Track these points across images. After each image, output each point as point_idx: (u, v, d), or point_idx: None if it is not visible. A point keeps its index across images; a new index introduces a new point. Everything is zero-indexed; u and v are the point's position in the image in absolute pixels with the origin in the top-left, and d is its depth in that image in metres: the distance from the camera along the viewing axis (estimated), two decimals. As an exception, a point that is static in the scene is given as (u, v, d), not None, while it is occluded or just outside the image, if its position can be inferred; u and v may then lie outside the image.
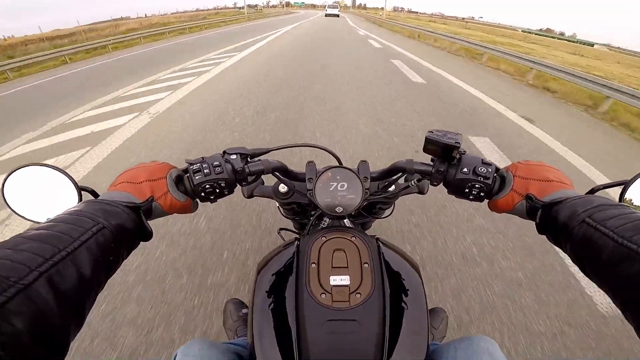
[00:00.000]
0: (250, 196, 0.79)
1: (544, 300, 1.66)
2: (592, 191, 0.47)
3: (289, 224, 0.99)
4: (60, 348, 0.30)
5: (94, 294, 0.35)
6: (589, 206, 0.40)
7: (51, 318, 0.28)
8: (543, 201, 0.47)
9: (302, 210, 0.82)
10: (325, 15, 37.94)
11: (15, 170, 0.47)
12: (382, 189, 0.72)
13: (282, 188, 0.76)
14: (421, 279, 0.58)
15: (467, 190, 0.55)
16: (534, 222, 0.48)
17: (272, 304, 0.53)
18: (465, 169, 0.54)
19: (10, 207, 0.47)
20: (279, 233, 0.97)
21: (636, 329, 0.31)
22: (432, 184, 0.59)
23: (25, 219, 0.48)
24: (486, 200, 0.56)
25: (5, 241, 0.32)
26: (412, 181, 0.65)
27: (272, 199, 0.78)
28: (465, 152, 0.55)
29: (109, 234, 0.38)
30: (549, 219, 0.45)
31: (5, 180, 0.46)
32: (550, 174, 0.51)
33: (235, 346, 0.67)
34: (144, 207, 0.47)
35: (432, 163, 0.58)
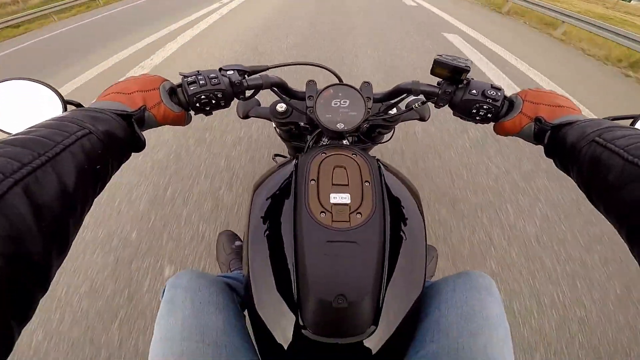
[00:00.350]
0: (245, 116, 0.76)
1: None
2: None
3: (285, 151, 0.98)
4: (42, 277, 0.25)
5: (79, 211, 0.31)
6: (598, 127, 0.38)
7: (29, 239, 0.24)
8: (552, 123, 0.46)
9: (299, 132, 0.80)
10: None
11: None
12: (384, 111, 0.71)
13: (280, 107, 0.74)
14: (421, 210, 0.57)
15: (474, 111, 0.54)
16: (542, 146, 0.48)
17: (268, 230, 0.52)
18: (474, 91, 0.53)
19: None
20: (273, 159, 0.96)
21: None
22: (437, 106, 0.58)
23: (7, 133, 0.44)
24: (492, 123, 0.56)
25: None
26: (415, 104, 0.63)
27: (269, 120, 0.75)
28: (473, 78, 0.54)
29: (96, 139, 0.34)
30: (558, 142, 0.44)
31: None
32: (560, 100, 0.50)
33: (228, 279, 0.65)
34: (136, 115, 0.44)
35: (438, 86, 0.56)
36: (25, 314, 0.23)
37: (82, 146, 0.32)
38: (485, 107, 0.53)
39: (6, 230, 0.22)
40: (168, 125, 0.52)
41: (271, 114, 0.74)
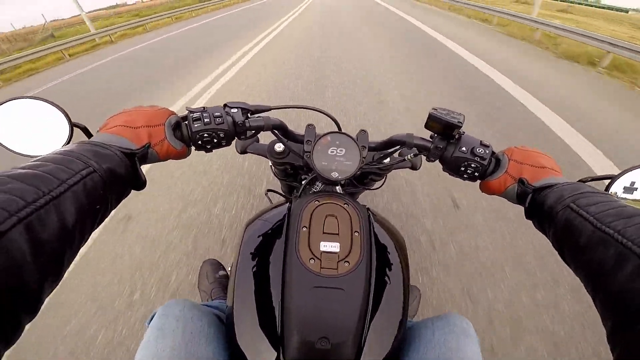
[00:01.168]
0: (243, 152, 0.78)
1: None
2: (581, 181, 0.48)
3: (278, 187, 1.00)
4: (32, 306, 0.27)
5: (75, 246, 0.32)
6: (574, 192, 0.41)
7: (26, 271, 0.26)
8: (534, 186, 0.48)
9: (294, 172, 0.82)
10: None
11: (3, 103, 0.44)
12: (378, 160, 0.73)
13: (278, 147, 0.75)
14: (406, 256, 0.59)
15: (462, 168, 0.56)
16: (523, 207, 0.50)
17: (257, 267, 0.53)
18: (463, 148, 0.55)
19: None
20: (266, 194, 0.97)
21: (602, 317, 0.31)
22: (428, 160, 0.60)
23: (14, 152, 0.46)
24: (478, 181, 0.58)
25: None
26: (408, 156, 0.65)
27: (266, 157, 0.77)
28: (464, 132, 0.56)
29: (98, 178, 0.35)
30: (537, 204, 0.46)
31: None
32: (544, 160, 0.52)
33: (214, 309, 0.66)
34: (139, 153, 0.45)
35: (431, 139, 0.58)
36: (11, 337, 0.25)
37: (85, 185, 0.33)
38: (473, 165, 0.55)
39: (5, 264, 0.24)
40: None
41: (268, 153, 0.76)
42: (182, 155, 0.53)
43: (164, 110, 0.51)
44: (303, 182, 0.72)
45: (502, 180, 0.53)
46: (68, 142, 0.47)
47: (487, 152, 0.54)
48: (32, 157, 0.45)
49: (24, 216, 0.26)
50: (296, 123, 2.96)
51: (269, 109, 0.61)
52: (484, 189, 0.57)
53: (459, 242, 1.73)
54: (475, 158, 0.54)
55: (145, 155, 0.47)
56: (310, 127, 0.64)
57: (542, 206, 0.45)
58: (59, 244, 0.29)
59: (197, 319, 0.55)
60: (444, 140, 0.56)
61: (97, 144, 0.40)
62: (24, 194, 0.28)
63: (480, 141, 0.56)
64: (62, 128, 0.47)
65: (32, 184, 0.29)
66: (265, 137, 0.69)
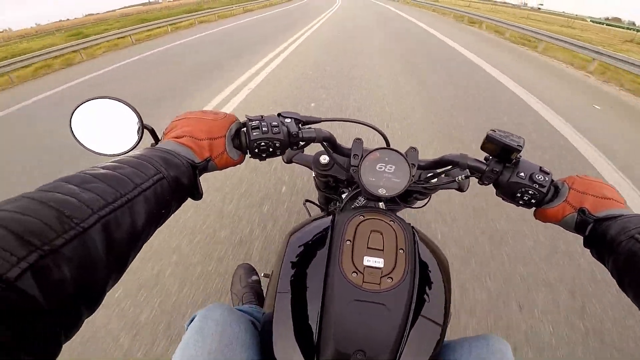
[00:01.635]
0: (289, 162, 0.79)
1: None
2: None
3: (315, 197, 1.00)
4: (96, 301, 0.28)
5: (139, 247, 0.34)
6: None
7: (97, 268, 0.27)
8: (596, 216, 0.47)
9: (336, 185, 0.82)
10: None
11: (83, 103, 0.47)
12: (426, 179, 0.71)
13: (324, 159, 0.76)
14: (449, 277, 0.58)
15: (518, 195, 0.54)
16: (582, 236, 0.49)
17: (297, 277, 0.54)
18: (522, 174, 0.53)
19: (76, 139, 0.48)
20: (304, 204, 0.98)
21: None
22: (481, 183, 0.58)
23: (90, 150, 0.49)
24: (533, 208, 0.56)
25: (72, 176, 0.31)
26: (459, 177, 0.62)
27: (310, 168, 0.78)
28: (521, 157, 0.54)
29: (166, 185, 0.38)
30: (598, 234, 0.46)
31: (73, 112, 0.47)
32: (607, 191, 0.51)
33: (248, 315, 0.67)
34: (200, 166, 0.47)
35: (486, 161, 0.57)
36: (71, 330, 0.26)
37: (155, 191, 0.36)
38: (530, 192, 0.52)
39: (83, 260, 0.26)
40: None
41: (313, 164, 0.77)
42: (239, 163, 0.55)
43: (224, 120, 0.52)
44: (344, 196, 0.72)
45: (560, 208, 0.51)
46: (138, 142, 0.50)
47: (547, 179, 0.52)
48: (105, 155, 0.48)
49: (104, 215, 0.29)
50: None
51: (319, 121, 0.62)
52: (540, 216, 0.55)
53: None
54: (534, 185, 0.52)
55: (205, 167, 0.49)
56: (357, 141, 0.64)
57: (603, 236, 0.45)
58: (128, 244, 0.31)
59: (234, 324, 0.56)
60: (500, 164, 0.55)
61: (167, 151, 0.43)
62: (104, 193, 0.30)
63: (540, 167, 0.53)
64: (133, 128, 0.49)
65: (111, 185, 0.31)
66: (310, 148, 0.70)
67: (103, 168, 0.34)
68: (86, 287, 0.26)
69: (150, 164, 0.38)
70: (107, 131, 0.49)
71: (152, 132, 0.51)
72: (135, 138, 0.49)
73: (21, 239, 0.23)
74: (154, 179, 0.36)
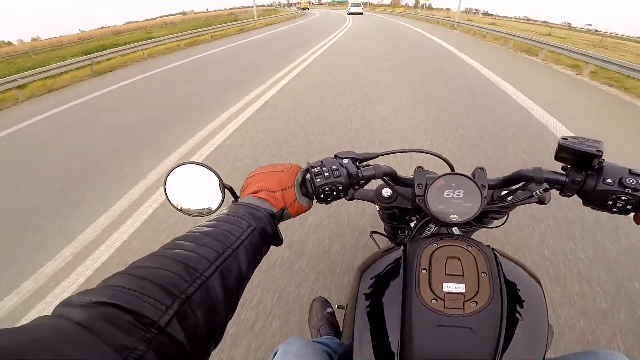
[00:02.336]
0: (351, 199, 0.79)
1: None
2: None
3: (380, 227, 1.00)
4: (219, 336, 0.33)
5: (244, 287, 0.40)
6: None
7: (219, 308, 0.32)
8: None
9: (401, 215, 0.81)
10: (348, 14, 32.55)
11: (175, 168, 0.55)
12: (499, 197, 0.68)
13: (386, 192, 0.76)
14: (543, 292, 0.55)
15: (610, 202, 0.49)
16: None
17: (373, 307, 0.54)
18: (608, 180, 0.49)
19: (169, 201, 0.55)
20: (371, 236, 0.98)
21: None
22: (563, 194, 0.54)
23: (182, 211, 0.55)
24: (632, 214, 0.50)
25: (186, 235, 0.38)
26: (538, 191, 0.59)
27: (373, 202, 0.78)
28: (604, 160, 0.50)
29: (257, 235, 0.43)
30: None
31: (167, 177, 0.55)
32: None
33: (325, 346, 0.69)
34: (278, 215, 0.51)
35: (564, 172, 0.53)
36: None
37: (251, 241, 0.42)
38: (624, 197, 0.48)
39: (208, 303, 0.31)
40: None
41: (376, 198, 0.77)
42: (308, 209, 0.58)
43: (291, 170, 0.57)
44: (412, 224, 0.71)
45: None
46: (222, 201, 0.56)
47: None
48: (194, 215, 0.54)
49: (219, 265, 0.34)
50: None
51: (376, 156, 0.63)
52: None
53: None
54: (626, 190, 0.48)
55: (281, 216, 0.53)
56: (419, 170, 0.63)
57: None
58: (237, 286, 0.37)
59: (312, 356, 0.61)
60: (581, 172, 0.51)
61: (252, 206, 0.48)
62: (216, 247, 0.36)
63: (630, 169, 0.49)
64: (215, 188, 0.55)
65: (219, 239, 0.38)
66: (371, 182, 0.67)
67: (207, 226, 0.40)
68: (213, 326, 0.31)
69: (243, 220, 0.44)
70: (194, 192, 0.56)
71: (231, 190, 0.56)
72: (219, 197, 0.55)
73: (165, 290, 0.28)
74: (248, 232, 0.42)
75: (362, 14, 33.50)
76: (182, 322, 0.27)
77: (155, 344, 0.24)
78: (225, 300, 0.33)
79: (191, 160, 0.60)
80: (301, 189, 0.57)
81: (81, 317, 0.23)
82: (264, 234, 0.45)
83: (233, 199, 0.56)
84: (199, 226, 0.41)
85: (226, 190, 0.56)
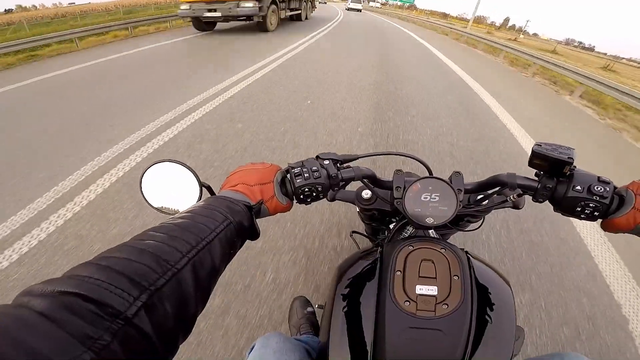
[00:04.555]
0: (332, 200, 0.80)
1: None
2: None
3: (361, 227, 1.01)
4: (189, 329, 0.33)
5: (217, 279, 0.40)
6: None
7: (189, 302, 0.32)
8: None
9: (381, 216, 0.82)
10: (347, 9, 32.03)
11: (150, 166, 0.54)
12: (475, 202, 0.70)
13: (366, 194, 0.77)
14: (512, 295, 0.57)
15: (578, 209, 0.51)
16: None
17: (350, 307, 0.55)
18: (578, 187, 0.50)
19: (145, 200, 0.55)
20: (351, 236, 0.99)
21: None
22: (535, 200, 0.56)
23: (158, 210, 0.55)
24: (599, 220, 0.52)
25: (158, 226, 0.37)
26: (511, 196, 0.61)
27: (354, 204, 0.79)
28: (576, 167, 0.52)
29: (233, 228, 0.43)
30: None
31: (142, 175, 0.54)
32: None
33: (304, 343, 0.69)
34: (255, 208, 0.51)
35: (537, 178, 0.55)
36: (169, 356, 0.30)
37: (226, 234, 0.41)
38: (592, 205, 0.50)
39: (178, 296, 0.31)
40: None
41: (356, 200, 0.78)
42: (287, 209, 0.59)
43: (271, 168, 0.58)
44: (392, 226, 0.72)
45: (630, 217, 0.49)
46: (199, 198, 0.55)
47: (608, 189, 0.49)
48: (171, 214, 0.53)
49: (191, 257, 0.34)
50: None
51: (357, 158, 0.64)
52: (608, 227, 0.52)
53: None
54: (594, 197, 0.49)
55: (259, 210, 0.53)
56: (398, 172, 0.64)
57: None
58: (209, 279, 0.37)
59: (290, 351, 0.60)
60: (553, 179, 0.53)
61: (228, 199, 0.48)
62: (189, 239, 0.36)
63: (598, 177, 0.51)
64: (193, 186, 0.55)
65: (193, 231, 0.37)
66: (353, 183, 0.66)
67: (181, 218, 0.40)
68: (182, 319, 0.31)
69: (219, 212, 0.43)
70: (170, 190, 0.56)
71: (209, 189, 0.56)
72: (197, 195, 0.55)
73: (133, 280, 0.27)
74: (224, 225, 0.42)
75: (360, 10, 33.05)
76: (151, 314, 0.27)
77: (121, 335, 0.24)
78: (196, 294, 0.33)
79: (169, 158, 0.59)
80: (281, 188, 0.57)
81: (42, 306, 0.23)
82: (240, 227, 0.45)
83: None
84: (173, 218, 0.40)
85: (204, 188, 0.55)
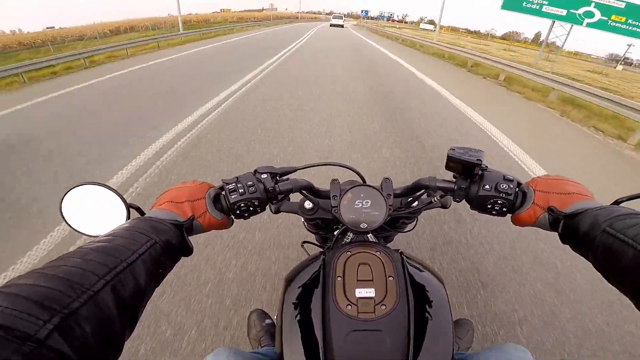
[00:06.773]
0: (277, 212, 0.81)
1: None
2: (617, 202, 0.48)
3: (312, 237, 1.02)
4: (117, 351, 0.33)
5: (145, 302, 0.39)
6: (609, 216, 0.42)
7: (112, 323, 0.32)
8: (564, 212, 0.49)
9: (325, 224, 0.84)
10: (330, 25, 36.29)
11: (71, 189, 0.51)
12: (406, 204, 0.74)
13: (307, 205, 0.79)
14: (446, 292, 0.60)
15: (489, 206, 0.56)
16: (557, 233, 0.50)
17: (300, 315, 0.55)
18: (487, 186, 0.55)
19: (66, 222, 0.51)
20: (302, 246, 1.00)
21: None
22: (454, 200, 0.61)
23: (80, 232, 0.52)
24: (509, 215, 0.58)
25: (73, 251, 0.36)
26: (435, 197, 0.66)
27: (298, 214, 0.81)
28: (487, 167, 0.57)
29: (159, 248, 0.42)
30: (571, 230, 0.47)
31: (62, 198, 0.51)
32: (570, 186, 0.53)
33: (261, 355, 0.68)
34: (186, 225, 0.51)
35: (454, 180, 0.59)
36: None
37: (150, 254, 0.41)
38: (499, 201, 0.55)
39: (98, 318, 0.30)
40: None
41: (300, 211, 0.79)
42: (224, 225, 0.58)
43: (203, 185, 0.58)
44: (335, 234, 0.74)
45: (531, 211, 0.54)
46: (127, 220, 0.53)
47: (512, 186, 0.55)
48: (95, 237, 0.51)
49: (109, 279, 0.33)
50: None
51: (294, 170, 0.65)
52: (515, 221, 0.57)
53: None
54: (500, 194, 0.55)
55: (190, 226, 0.53)
56: (334, 182, 0.67)
57: (576, 232, 0.46)
58: (135, 300, 0.36)
59: None
60: (467, 180, 0.57)
61: (153, 219, 0.47)
62: (106, 261, 0.35)
63: (504, 175, 0.56)
64: (119, 209, 0.53)
65: (110, 254, 0.37)
66: (296, 195, 0.72)
67: (99, 242, 0.39)
68: (107, 339, 0.31)
69: (141, 233, 0.42)
70: (96, 213, 0.53)
71: (139, 210, 0.54)
72: (123, 218, 0.52)
73: (42, 305, 0.27)
74: (147, 245, 0.41)
75: (342, 26, 37.47)
76: (66, 335, 0.26)
77: (33, 357, 0.24)
78: (119, 314, 0.33)
79: (91, 180, 0.56)
80: (216, 205, 0.57)
81: None
82: (168, 246, 0.45)
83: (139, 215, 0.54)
84: (92, 241, 0.39)
85: (132, 209, 0.53)
